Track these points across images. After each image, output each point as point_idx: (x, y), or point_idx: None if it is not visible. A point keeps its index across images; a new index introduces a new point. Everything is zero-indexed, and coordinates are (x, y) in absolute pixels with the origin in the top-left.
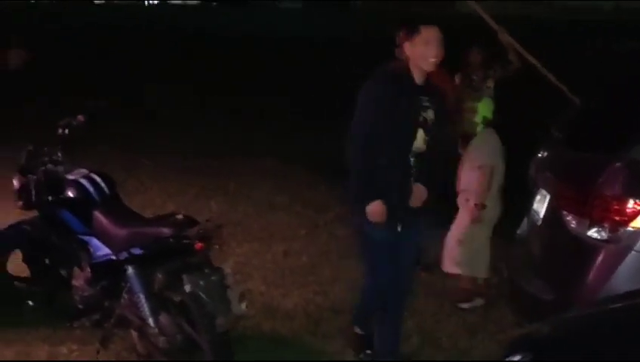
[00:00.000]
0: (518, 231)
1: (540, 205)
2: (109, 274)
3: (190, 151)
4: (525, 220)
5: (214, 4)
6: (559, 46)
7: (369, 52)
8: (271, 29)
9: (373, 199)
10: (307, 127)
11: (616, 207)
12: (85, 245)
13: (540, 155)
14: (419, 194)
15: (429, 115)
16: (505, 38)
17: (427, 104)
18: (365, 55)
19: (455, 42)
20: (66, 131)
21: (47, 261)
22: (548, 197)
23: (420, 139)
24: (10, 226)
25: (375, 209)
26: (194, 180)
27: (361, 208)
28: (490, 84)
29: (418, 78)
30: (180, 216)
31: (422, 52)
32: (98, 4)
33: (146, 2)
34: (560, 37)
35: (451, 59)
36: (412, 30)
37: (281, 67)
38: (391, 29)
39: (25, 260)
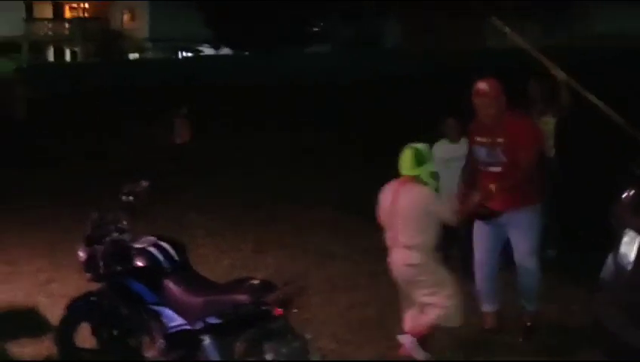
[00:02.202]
0: (602, 274)
1: (629, 248)
2: (184, 344)
3: (239, 202)
4: (609, 261)
5: (246, 53)
6: (611, 77)
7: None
8: (309, 75)
9: None
10: (355, 170)
11: None
12: (157, 315)
13: (625, 195)
14: None
15: None
16: (559, 74)
17: None
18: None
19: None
20: (130, 198)
21: (115, 332)
22: (638, 239)
23: None
24: (78, 298)
25: None
26: (247, 234)
27: None
28: (549, 119)
29: None
30: (256, 281)
31: None
32: (133, 60)
33: (180, 55)
34: (609, 67)
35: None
36: None
37: (328, 111)
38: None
39: (93, 332)
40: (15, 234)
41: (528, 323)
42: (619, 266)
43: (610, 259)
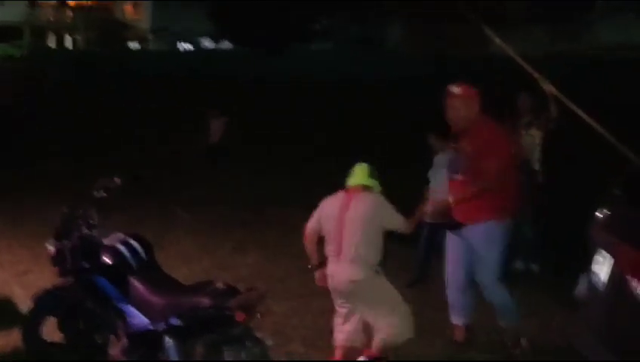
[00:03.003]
0: (576, 292)
1: (602, 268)
2: (146, 344)
3: (226, 202)
4: (583, 281)
5: (246, 49)
6: (604, 89)
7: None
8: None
9: None
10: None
11: None
12: (122, 313)
13: (600, 214)
14: None
15: None
16: (548, 88)
17: None
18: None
19: (492, 86)
20: (103, 194)
21: (82, 327)
22: (611, 261)
23: None
24: (45, 291)
25: None
26: (230, 233)
27: None
28: (535, 133)
29: None
30: (220, 285)
31: None
32: (134, 50)
33: (181, 48)
34: (602, 78)
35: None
36: None
37: (315, 110)
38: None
39: (60, 327)
40: None
41: (509, 343)
42: (591, 286)
43: (583, 279)
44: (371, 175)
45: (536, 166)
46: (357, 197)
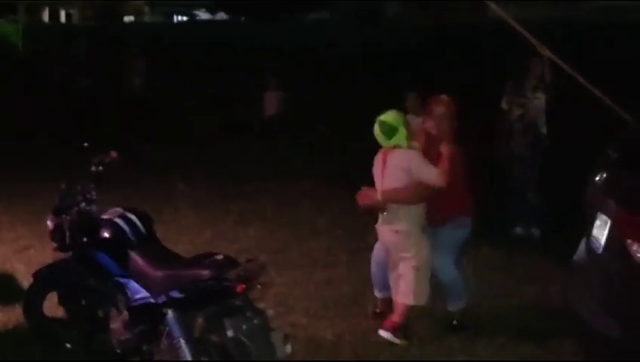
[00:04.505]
0: (575, 257)
1: (600, 231)
2: (147, 317)
3: (226, 175)
4: (582, 245)
5: (242, 19)
6: (601, 52)
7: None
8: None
9: None
10: (345, 145)
11: None
12: (122, 287)
13: (597, 178)
14: None
15: None
16: (546, 53)
17: None
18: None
19: (488, 51)
20: (100, 168)
21: (83, 302)
22: (609, 224)
23: None
24: (46, 267)
25: None
26: (231, 206)
27: None
28: (540, 96)
29: None
30: (219, 257)
31: None
32: (128, 22)
33: (175, 19)
34: (599, 42)
35: (486, 67)
36: None
37: (316, 82)
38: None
39: (61, 302)
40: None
41: (454, 322)
42: (590, 250)
43: (582, 243)
44: (388, 131)
45: (544, 129)
46: (389, 153)
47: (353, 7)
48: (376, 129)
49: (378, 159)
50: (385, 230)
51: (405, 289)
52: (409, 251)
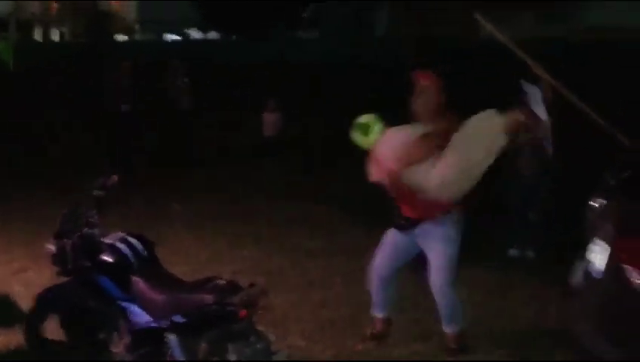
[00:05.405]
0: (573, 281)
1: (597, 256)
2: (149, 341)
3: (220, 196)
4: (580, 269)
5: (234, 37)
6: (594, 73)
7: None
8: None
9: None
10: (335, 164)
11: None
12: (124, 311)
13: (596, 203)
14: None
15: None
16: (542, 73)
17: None
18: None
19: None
20: (102, 192)
21: (84, 325)
22: (607, 249)
23: None
24: (48, 290)
25: None
26: (226, 227)
27: None
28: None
29: None
30: (222, 282)
31: None
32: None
33: (169, 39)
34: (593, 62)
35: (477, 87)
36: None
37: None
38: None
39: (62, 325)
40: None
41: (453, 346)
42: (588, 275)
43: (579, 267)
44: (364, 132)
45: (550, 150)
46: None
47: (343, 24)
48: (354, 133)
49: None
50: None
51: None
52: None
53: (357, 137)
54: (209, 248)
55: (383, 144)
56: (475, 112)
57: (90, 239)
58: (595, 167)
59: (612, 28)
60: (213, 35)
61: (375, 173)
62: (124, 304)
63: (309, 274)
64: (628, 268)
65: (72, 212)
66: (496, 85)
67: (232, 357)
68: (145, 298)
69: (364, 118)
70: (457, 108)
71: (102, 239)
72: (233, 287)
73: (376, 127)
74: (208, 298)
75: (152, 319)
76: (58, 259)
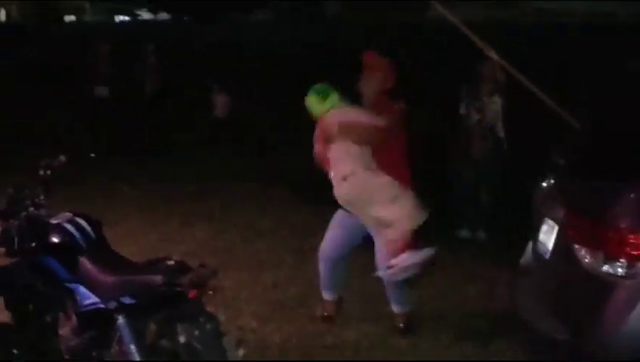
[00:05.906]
0: (522, 261)
1: (548, 236)
2: (97, 323)
3: (169, 177)
4: (529, 248)
5: (185, 18)
6: (546, 55)
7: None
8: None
9: None
10: (285, 145)
11: (632, 240)
12: (71, 292)
13: (544, 183)
14: None
15: None
16: (494, 55)
17: None
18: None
19: (429, 51)
20: (48, 172)
21: (31, 307)
22: (556, 229)
23: None
24: None
25: None
26: (176, 208)
27: None
28: (497, 100)
29: None
30: (171, 262)
31: None
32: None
33: (117, 19)
34: (543, 44)
35: (429, 67)
36: None
37: (257, 82)
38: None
39: (7, 306)
40: None
41: (401, 325)
42: (537, 255)
43: (529, 247)
44: (323, 97)
45: (501, 133)
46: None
47: (293, 7)
48: (310, 98)
49: (318, 132)
50: None
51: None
52: None
53: (313, 102)
54: (160, 229)
55: (323, 121)
56: (423, 99)
57: (36, 219)
58: (546, 148)
59: (561, 12)
60: (164, 15)
61: (316, 148)
62: (71, 285)
63: (259, 254)
64: (577, 247)
65: (17, 192)
66: (447, 69)
67: (181, 338)
68: (92, 279)
69: (320, 85)
70: (407, 93)
71: (49, 220)
72: (182, 268)
73: (334, 95)
74: (157, 279)
75: (99, 300)
76: (3, 239)
